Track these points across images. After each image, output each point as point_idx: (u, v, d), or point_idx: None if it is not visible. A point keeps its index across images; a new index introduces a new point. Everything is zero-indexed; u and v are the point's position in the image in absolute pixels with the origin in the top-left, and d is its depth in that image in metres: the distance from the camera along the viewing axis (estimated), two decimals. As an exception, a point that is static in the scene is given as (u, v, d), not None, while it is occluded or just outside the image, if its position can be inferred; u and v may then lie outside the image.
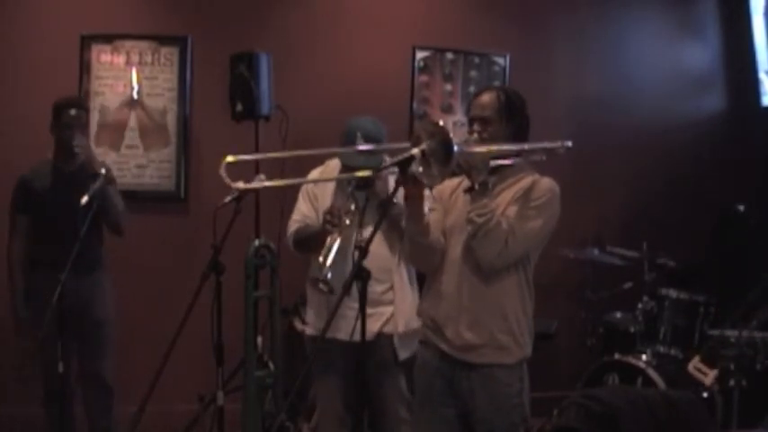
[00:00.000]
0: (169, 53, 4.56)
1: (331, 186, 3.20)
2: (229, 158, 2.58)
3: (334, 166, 3.22)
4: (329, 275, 2.87)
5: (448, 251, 2.61)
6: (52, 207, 3.55)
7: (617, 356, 4.20)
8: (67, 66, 4.43)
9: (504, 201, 2.54)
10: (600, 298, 4.58)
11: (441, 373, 2.60)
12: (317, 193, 3.21)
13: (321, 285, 2.91)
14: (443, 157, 2.24)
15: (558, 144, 2.53)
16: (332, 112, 4.59)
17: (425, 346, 2.68)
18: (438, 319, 2.59)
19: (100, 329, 3.69)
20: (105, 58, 4.50)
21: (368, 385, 3.11)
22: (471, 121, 2.60)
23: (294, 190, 4.21)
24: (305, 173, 3.31)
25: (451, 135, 2.24)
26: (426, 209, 2.58)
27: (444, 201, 2.69)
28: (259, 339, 3.28)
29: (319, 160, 3.30)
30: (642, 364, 4.09)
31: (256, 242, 3.25)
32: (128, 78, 4.52)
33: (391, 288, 3.14)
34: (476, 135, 2.55)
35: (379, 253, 3.04)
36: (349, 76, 4.76)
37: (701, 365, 4.01)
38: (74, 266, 3.48)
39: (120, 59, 4.51)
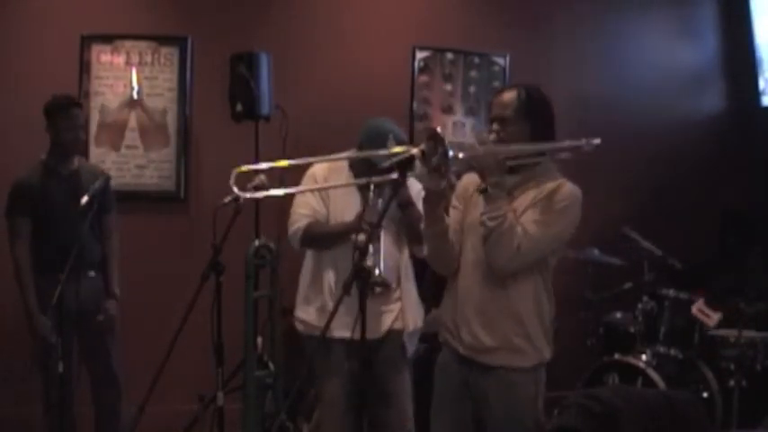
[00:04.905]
0: (169, 53, 4.56)
1: (343, 184, 3.12)
2: (243, 168, 2.51)
3: (340, 164, 3.15)
4: (383, 277, 2.81)
5: (464, 252, 2.57)
6: (52, 209, 3.52)
7: (617, 356, 4.20)
8: (67, 66, 4.43)
9: (524, 203, 2.47)
10: (600, 298, 4.57)
11: (458, 374, 2.59)
12: (327, 191, 3.13)
13: (378, 289, 2.86)
14: (443, 162, 2.23)
15: (581, 142, 2.41)
16: (332, 112, 4.60)
17: (446, 348, 2.66)
18: (456, 319, 2.58)
19: (110, 329, 3.69)
20: (105, 58, 4.50)
21: (374, 382, 3.11)
22: (491, 121, 2.55)
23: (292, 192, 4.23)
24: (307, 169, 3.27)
25: (446, 140, 2.22)
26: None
27: (466, 198, 2.63)
28: (259, 339, 3.29)
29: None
30: (642, 364, 4.09)
31: (256, 242, 3.26)
32: (128, 78, 4.51)
33: (399, 285, 3.14)
34: (493, 135, 2.49)
35: (389, 252, 3.04)
36: (349, 75, 4.76)
37: (704, 307, 3.98)
38: (77, 267, 3.48)
39: (120, 59, 4.51)
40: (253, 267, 3.20)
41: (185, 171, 4.59)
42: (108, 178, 3.66)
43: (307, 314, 3.20)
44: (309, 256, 3.23)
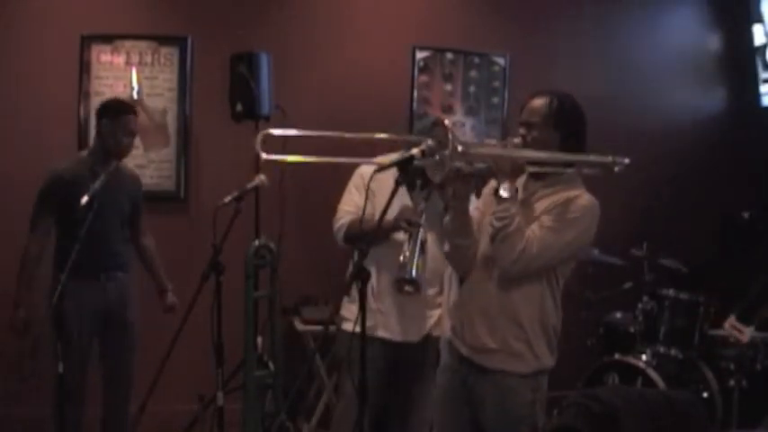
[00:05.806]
0: (169, 53, 4.56)
1: (389, 185, 3.12)
2: (273, 131, 2.56)
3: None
4: (414, 275, 2.82)
5: (478, 252, 2.58)
6: (92, 209, 3.34)
7: (617, 356, 4.20)
8: (67, 66, 4.43)
9: (539, 209, 2.47)
10: (600, 298, 4.57)
11: (458, 375, 2.59)
12: (374, 189, 3.01)
13: (408, 288, 2.86)
14: (442, 150, 2.24)
15: (607, 159, 2.42)
16: (332, 112, 4.61)
17: (449, 348, 2.67)
18: (462, 319, 2.58)
19: (131, 330, 3.65)
20: (105, 58, 4.49)
21: (397, 384, 3.10)
22: (520, 125, 2.53)
23: (293, 193, 4.23)
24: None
25: (450, 133, 2.22)
26: (472, 208, 2.56)
27: (486, 201, 2.63)
28: (259, 339, 3.29)
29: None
30: (642, 364, 4.09)
31: (256, 242, 3.26)
32: (128, 78, 4.51)
33: (441, 292, 3.14)
34: (519, 139, 2.49)
35: (435, 256, 3.05)
36: (349, 75, 4.76)
37: (736, 323, 3.95)
38: (109, 268, 3.50)
39: (120, 59, 4.50)
40: (253, 267, 3.20)
41: (185, 171, 4.59)
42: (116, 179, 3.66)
43: (350, 312, 3.21)
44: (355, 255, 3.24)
